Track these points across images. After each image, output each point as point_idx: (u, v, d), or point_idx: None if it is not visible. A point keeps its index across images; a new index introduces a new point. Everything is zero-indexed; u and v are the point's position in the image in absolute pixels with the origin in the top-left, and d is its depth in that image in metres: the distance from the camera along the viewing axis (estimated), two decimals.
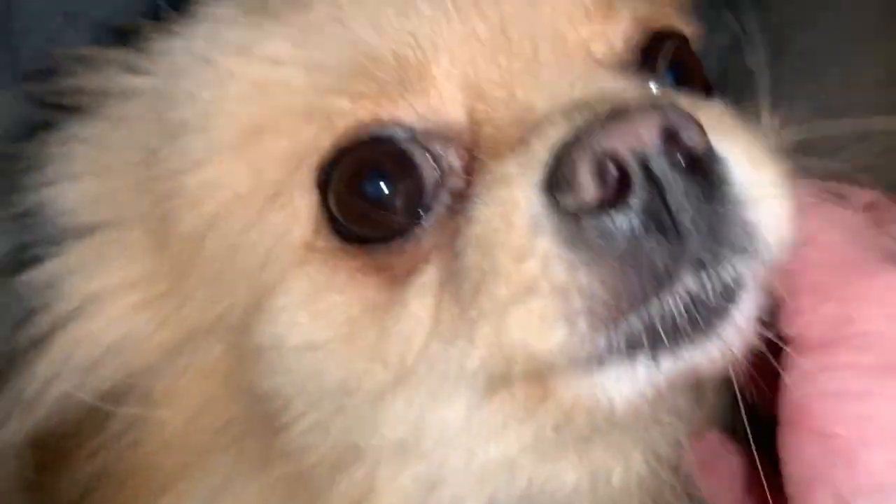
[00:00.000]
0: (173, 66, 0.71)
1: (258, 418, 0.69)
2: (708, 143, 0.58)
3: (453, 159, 0.65)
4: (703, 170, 0.58)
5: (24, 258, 0.73)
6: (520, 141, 0.61)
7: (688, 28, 0.76)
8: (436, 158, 0.65)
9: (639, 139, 0.56)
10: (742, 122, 0.64)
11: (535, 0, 0.67)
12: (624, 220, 0.56)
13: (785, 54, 1.57)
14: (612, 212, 0.56)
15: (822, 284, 0.62)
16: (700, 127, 0.58)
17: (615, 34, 0.70)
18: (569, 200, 0.57)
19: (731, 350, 0.60)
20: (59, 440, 0.72)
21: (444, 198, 0.65)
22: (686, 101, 0.62)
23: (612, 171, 0.56)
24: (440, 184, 0.65)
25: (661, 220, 0.56)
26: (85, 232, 0.73)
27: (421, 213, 0.65)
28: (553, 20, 0.67)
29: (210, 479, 0.69)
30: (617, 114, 0.58)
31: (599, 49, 0.69)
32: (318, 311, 0.65)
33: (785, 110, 1.53)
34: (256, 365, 0.67)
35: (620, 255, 0.56)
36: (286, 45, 0.67)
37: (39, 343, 0.72)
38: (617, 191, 0.56)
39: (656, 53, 0.71)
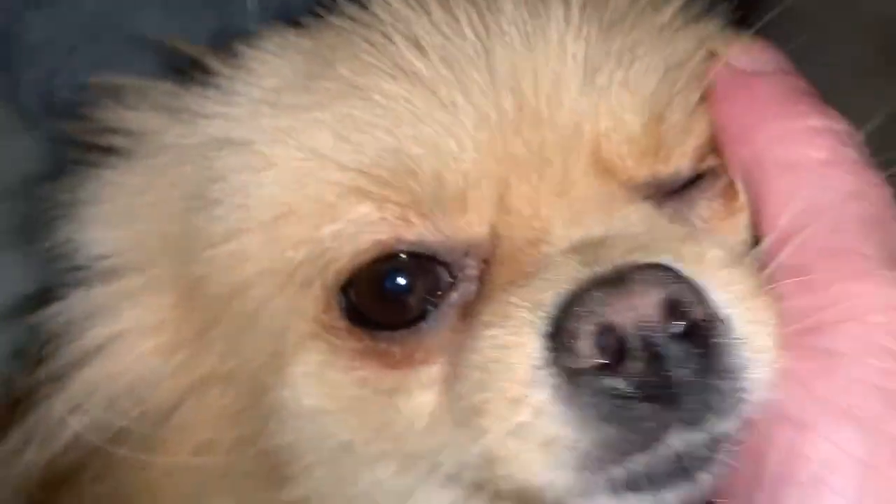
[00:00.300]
0: (213, 137, 0.73)
1: (264, 468, 0.73)
2: (708, 311, 0.61)
3: (470, 268, 0.68)
4: (701, 336, 0.61)
5: (51, 295, 0.76)
6: (532, 267, 0.65)
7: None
8: (454, 266, 0.68)
9: (640, 312, 0.59)
10: (748, 264, 0.66)
11: (580, 126, 0.69)
12: (618, 385, 0.59)
13: None
14: (608, 376, 0.59)
15: (808, 273, 0.63)
16: (702, 295, 0.61)
17: (660, 168, 0.71)
18: (568, 360, 0.60)
19: (708, 485, 0.64)
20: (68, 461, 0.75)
21: (456, 300, 0.68)
22: (693, 255, 0.64)
23: (612, 340, 0.60)
24: (453, 287, 0.68)
25: (654, 386, 0.59)
26: (112, 275, 0.76)
27: (431, 310, 0.68)
28: (595, 145, 0.69)
29: None
30: (621, 281, 0.61)
31: (641, 174, 0.70)
32: (324, 384, 0.69)
33: None
34: (268, 421, 0.71)
35: (612, 415, 0.60)
36: (325, 137, 0.69)
37: (60, 378, 0.75)
38: (615, 358, 0.59)
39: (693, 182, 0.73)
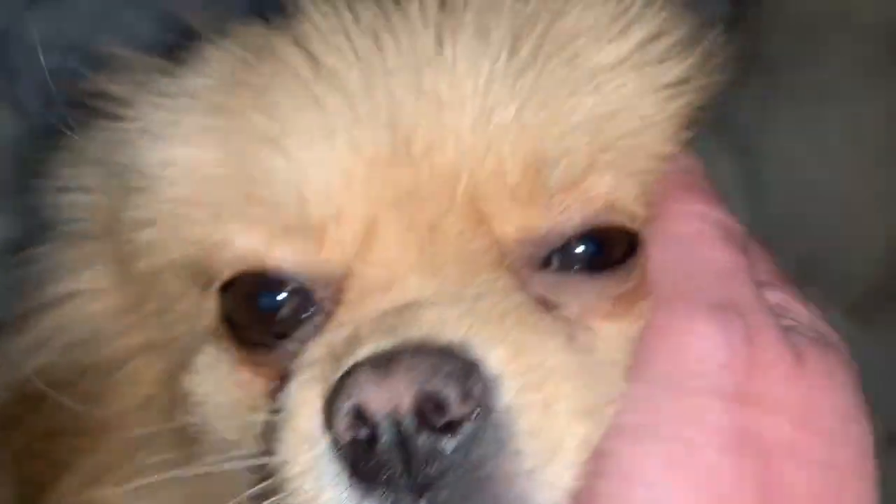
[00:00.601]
0: (151, 124, 0.77)
1: (186, 435, 0.79)
2: (481, 411, 0.60)
3: (328, 300, 0.70)
4: (464, 437, 0.60)
5: (29, 245, 0.85)
6: (372, 316, 0.65)
7: (634, 215, 0.71)
8: (313, 294, 0.70)
9: (394, 400, 0.60)
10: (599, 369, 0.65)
11: (459, 170, 0.67)
12: (366, 464, 0.61)
13: (782, 91, 1.54)
14: (361, 452, 0.61)
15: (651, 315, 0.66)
16: (476, 393, 0.60)
17: (537, 219, 0.68)
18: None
19: None
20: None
21: (310, 327, 0.70)
22: (513, 344, 0.62)
23: (364, 421, 0.60)
24: (311, 314, 0.70)
25: (399, 474, 0.60)
26: (74, 237, 0.84)
27: (290, 334, 0.70)
28: (473, 193, 0.67)
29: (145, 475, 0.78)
30: (387, 363, 0.61)
31: (512, 229, 0.68)
32: (216, 379, 0.75)
33: (783, 150, 1.58)
34: (182, 397, 0.78)
35: (362, 488, 0.61)
36: (225, 145, 0.71)
37: (26, 319, 0.85)
38: (367, 440, 0.60)
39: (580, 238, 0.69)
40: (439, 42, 0.69)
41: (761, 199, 1.57)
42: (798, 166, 1.55)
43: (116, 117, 0.80)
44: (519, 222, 0.68)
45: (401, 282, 0.66)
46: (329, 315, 0.69)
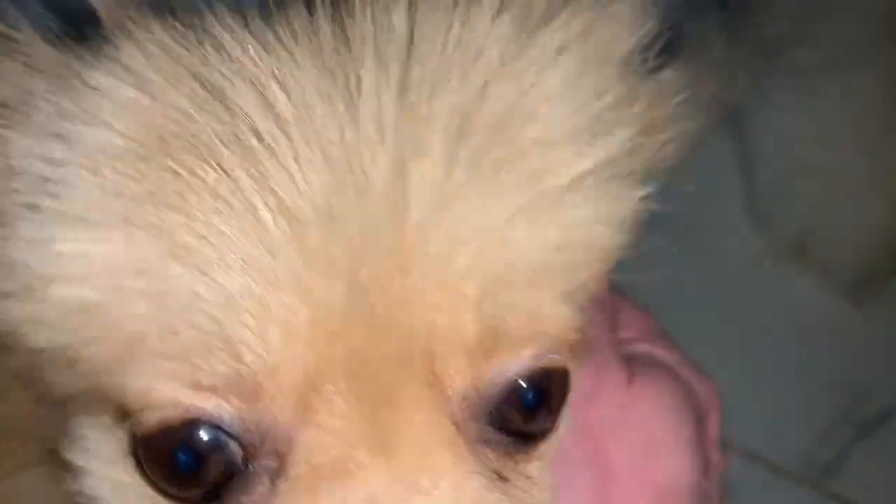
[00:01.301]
0: (27, 180, 0.59)
1: None
2: None
3: (267, 463, 0.61)
4: None
5: None
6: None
7: (570, 344, 0.65)
8: (250, 451, 0.61)
9: None
10: None
11: (416, 329, 0.58)
12: None
13: (780, 69, 1.57)
14: None
15: None
16: None
17: (488, 374, 0.61)
18: None
19: None
20: None
21: (246, 487, 0.61)
22: None
23: None
24: (247, 476, 0.61)
25: None
26: None
27: (222, 494, 0.61)
28: (427, 351, 0.59)
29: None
30: None
31: (462, 385, 0.60)
32: (108, 484, 0.65)
33: (778, 128, 1.58)
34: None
35: None
36: (128, 258, 0.57)
37: None
38: None
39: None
40: (402, 175, 0.56)
41: (757, 177, 1.60)
42: (794, 145, 1.57)
43: None
44: (471, 377, 0.60)
45: (353, 462, 0.59)
46: (278, 470, 0.61)
